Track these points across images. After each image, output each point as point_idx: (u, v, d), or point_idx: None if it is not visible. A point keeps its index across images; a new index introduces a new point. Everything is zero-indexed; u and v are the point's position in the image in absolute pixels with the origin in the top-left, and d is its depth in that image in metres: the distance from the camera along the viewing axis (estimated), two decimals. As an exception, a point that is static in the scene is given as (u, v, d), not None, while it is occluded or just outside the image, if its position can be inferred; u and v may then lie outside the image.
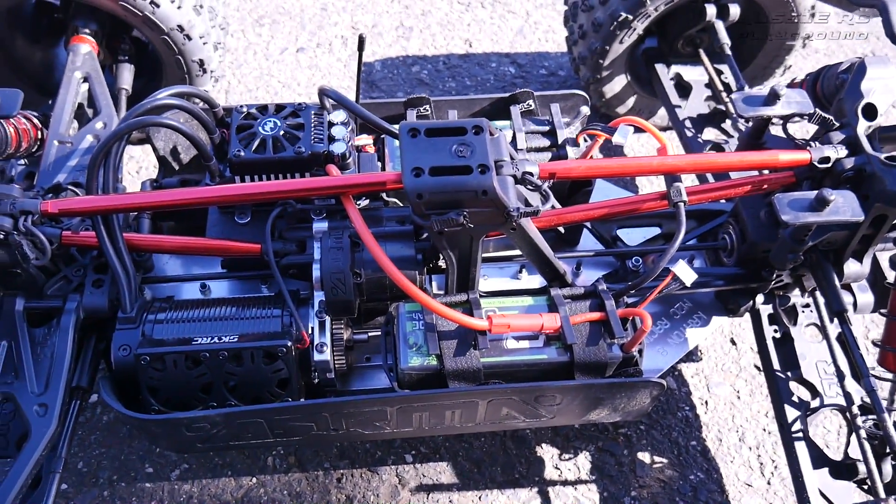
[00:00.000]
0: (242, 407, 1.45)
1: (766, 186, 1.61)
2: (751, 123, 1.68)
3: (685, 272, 1.49)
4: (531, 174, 1.44)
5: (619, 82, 2.42)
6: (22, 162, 1.90)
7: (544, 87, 2.83)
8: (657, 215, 1.85)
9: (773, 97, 1.58)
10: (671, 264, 1.49)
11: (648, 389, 1.50)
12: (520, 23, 3.12)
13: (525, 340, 1.49)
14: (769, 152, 1.57)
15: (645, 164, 1.53)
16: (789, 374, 1.71)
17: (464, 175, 1.33)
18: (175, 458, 1.88)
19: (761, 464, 1.94)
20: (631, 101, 2.51)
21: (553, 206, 1.46)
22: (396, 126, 1.67)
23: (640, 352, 1.51)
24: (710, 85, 2.28)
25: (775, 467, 1.93)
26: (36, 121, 1.80)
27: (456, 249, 1.48)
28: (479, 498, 1.87)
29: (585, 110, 1.83)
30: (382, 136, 1.83)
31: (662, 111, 2.56)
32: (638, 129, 1.74)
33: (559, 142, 1.79)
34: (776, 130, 1.69)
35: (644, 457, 1.92)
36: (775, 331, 1.77)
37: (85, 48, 2.06)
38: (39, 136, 1.81)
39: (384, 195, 1.71)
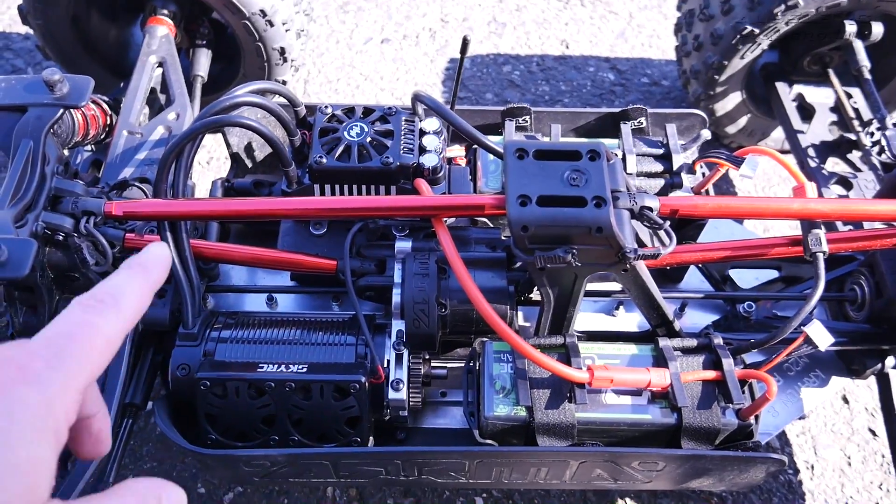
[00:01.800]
0: (308, 449, 1.30)
1: (918, 239, 1.40)
2: (902, 164, 1.47)
3: (821, 335, 1.29)
4: (650, 209, 1.26)
5: (732, 100, 2.20)
6: (88, 148, 1.78)
7: (646, 97, 2.62)
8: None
9: (936, 137, 1.37)
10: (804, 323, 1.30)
11: (766, 465, 1.31)
12: (622, 25, 2.90)
13: (626, 396, 1.32)
14: (930, 201, 1.35)
15: (783, 207, 1.32)
16: (921, 451, 1.51)
17: (577, 208, 1.16)
18: (229, 479, 1.75)
19: (872, 543, 1.73)
20: (743, 121, 2.29)
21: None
22: (494, 138, 1.51)
23: (756, 418, 1.33)
24: (838, 109, 2.04)
25: (888, 548, 1.72)
26: (105, 106, 1.68)
27: (556, 287, 1.31)
28: (552, 551, 1.70)
29: (706, 134, 1.63)
30: (475, 146, 1.66)
31: (775, 134, 2.34)
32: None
33: (674, 168, 1.61)
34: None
35: (740, 524, 1.73)
36: (906, 399, 1.56)
37: (162, 30, 1.92)
38: (108, 123, 1.69)
39: (474, 214, 1.55)
